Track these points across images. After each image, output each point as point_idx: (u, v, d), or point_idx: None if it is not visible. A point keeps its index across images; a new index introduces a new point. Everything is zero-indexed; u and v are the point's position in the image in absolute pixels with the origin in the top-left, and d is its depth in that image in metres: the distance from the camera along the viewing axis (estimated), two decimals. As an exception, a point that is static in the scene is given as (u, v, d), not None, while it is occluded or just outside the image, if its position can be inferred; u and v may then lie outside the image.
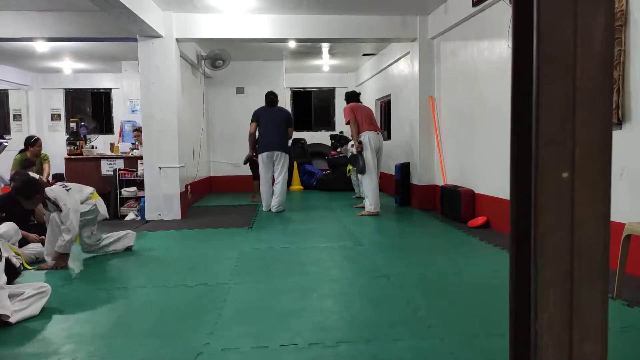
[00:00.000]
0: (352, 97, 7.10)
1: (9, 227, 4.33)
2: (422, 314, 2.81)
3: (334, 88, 11.80)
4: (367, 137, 6.49)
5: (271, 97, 6.95)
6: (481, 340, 2.46)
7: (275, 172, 6.88)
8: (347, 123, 6.74)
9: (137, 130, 7.61)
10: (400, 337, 2.48)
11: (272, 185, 6.97)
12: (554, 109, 0.70)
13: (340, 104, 11.52)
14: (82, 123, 7.65)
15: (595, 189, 0.71)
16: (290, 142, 8.90)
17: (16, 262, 3.53)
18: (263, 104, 7.11)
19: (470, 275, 3.62)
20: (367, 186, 6.49)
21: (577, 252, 0.72)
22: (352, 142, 7.64)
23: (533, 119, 0.71)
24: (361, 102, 7.11)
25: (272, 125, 6.77)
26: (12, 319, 2.70)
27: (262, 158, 6.83)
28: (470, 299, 3.07)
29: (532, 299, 0.72)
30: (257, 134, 7.04)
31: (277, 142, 6.78)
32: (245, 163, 7.67)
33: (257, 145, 7.05)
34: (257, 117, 6.87)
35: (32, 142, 6.94)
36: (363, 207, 6.60)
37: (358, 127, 6.53)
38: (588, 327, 0.73)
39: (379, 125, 7.04)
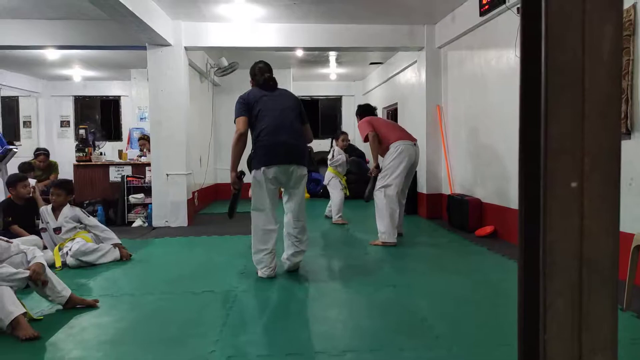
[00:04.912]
0: (367, 111, 5.63)
1: (32, 239, 4.38)
2: (429, 324, 2.79)
3: (341, 96, 11.84)
4: (400, 147, 4.92)
5: (267, 75, 3.95)
6: (489, 350, 2.44)
7: (289, 201, 3.89)
8: (366, 140, 5.09)
9: (143, 138, 7.66)
10: (406, 347, 2.46)
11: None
12: (562, 118, 0.70)
13: (347, 112, 11.57)
14: (92, 130, 7.74)
15: (604, 199, 0.71)
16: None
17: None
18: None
19: (477, 285, 3.60)
20: (382, 210, 4.91)
21: (586, 262, 0.72)
22: (337, 149, 6.62)
23: (542, 128, 0.71)
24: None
25: (280, 118, 3.75)
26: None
27: (262, 178, 3.70)
28: (477, 309, 3.05)
29: (541, 309, 0.72)
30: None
31: (292, 146, 3.75)
32: (232, 213, 4.23)
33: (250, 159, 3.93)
34: (248, 106, 3.78)
35: (35, 155, 7.21)
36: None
37: (381, 142, 5.03)
38: (598, 338, 0.72)
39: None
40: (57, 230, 4.37)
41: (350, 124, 11.19)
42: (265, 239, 3.78)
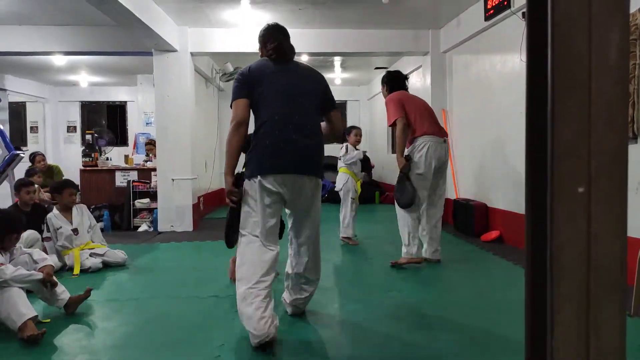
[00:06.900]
0: (396, 80, 4.44)
1: (30, 234, 4.37)
2: (436, 330, 2.78)
3: (346, 101, 11.85)
4: (426, 145, 4.02)
5: (280, 38, 2.84)
6: (496, 357, 2.42)
7: (297, 225, 2.82)
8: (392, 125, 4.13)
9: (150, 143, 7.71)
10: (413, 354, 2.45)
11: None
12: (569, 123, 0.70)
13: (351, 117, 11.56)
14: (96, 135, 7.78)
15: (611, 203, 0.71)
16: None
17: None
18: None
19: (484, 291, 3.58)
20: (402, 222, 4.17)
21: (594, 267, 0.71)
22: (350, 145, 5.36)
23: (548, 133, 0.71)
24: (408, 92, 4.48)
25: (291, 105, 2.64)
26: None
27: (257, 191, 2.56)
28: (484, 315, 3.03)
29: (548, 315, 0.72)
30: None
31: (304, 149, 2.63)
32: (231, 239, 2.72)
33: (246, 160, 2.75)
34: (249, 85, 2.63)
35: (31, 160, 7.05)
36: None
37: (412, 131, 4.09)
38: (605, 344, 0.72)
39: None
40: (75, 231, 4.36)
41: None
42: (258, 275, 2.51)
